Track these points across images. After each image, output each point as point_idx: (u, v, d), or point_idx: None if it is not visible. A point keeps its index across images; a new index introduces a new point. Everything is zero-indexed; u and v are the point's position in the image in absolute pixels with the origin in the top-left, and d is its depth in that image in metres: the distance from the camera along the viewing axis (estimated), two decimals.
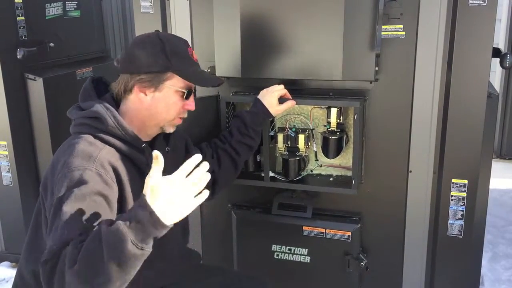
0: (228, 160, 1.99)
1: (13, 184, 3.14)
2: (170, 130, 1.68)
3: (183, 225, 1.85)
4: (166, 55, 1.56)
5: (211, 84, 1.73)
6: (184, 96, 1.63)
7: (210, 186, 1.99)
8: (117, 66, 1.67)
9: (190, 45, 1.68)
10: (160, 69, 1.56)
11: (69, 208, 1.36)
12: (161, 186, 1.25)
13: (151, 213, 1.22)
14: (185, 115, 1.69)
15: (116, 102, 1.64)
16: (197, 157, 1.29)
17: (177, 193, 1.26)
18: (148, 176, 1.26)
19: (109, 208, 1.44)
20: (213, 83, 1.74)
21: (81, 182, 1.40)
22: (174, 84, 1.59)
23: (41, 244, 1.56)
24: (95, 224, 1.37)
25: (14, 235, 3.22)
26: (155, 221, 1.23)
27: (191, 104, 1.67)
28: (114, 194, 1.48)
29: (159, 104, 1.60)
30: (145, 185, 1.26)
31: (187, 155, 1.88)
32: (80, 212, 1.37)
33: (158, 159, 1.26)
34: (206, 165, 1.31)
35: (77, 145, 1.47)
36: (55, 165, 1.48)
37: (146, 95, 1.59)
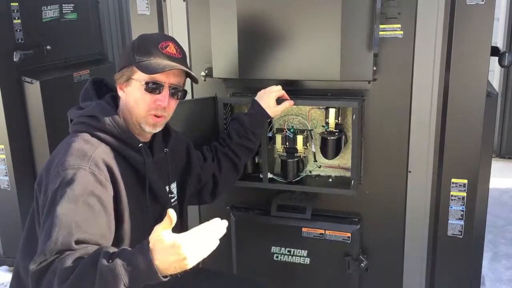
0: (229, 163, 1.99)
1: (11, 188, 3.13)
2: (149, 128, 1.60)
3: (184, 231, 1.84)
4: (133, 51, 1.58)
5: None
6: (157, 91, 1.57)
7: (211, 189, 1.99)
8: None
9: (174, 42, 1.64)
10: (125, 64, 1.59)
11: (61, 210, 1.36)
12: (169, 242, 1.24)
13: (150, 264, 1.22)
14: (161, 113, 1.60)
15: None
16: (222, 223, 1.33)
17: (188, 253, 1.25)
18: (159, 225, 1.25)
19: (103, 210, 1.44)
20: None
21: (73, 181, 1.40)
22: (138, 77, 1.58)
23: (37, 242, 1.55)
24: (87, 230, 1.37)
25: (12, 239, 3.21)
26: (152, 273, 1.23)
27: (161, 99, 1.58)
28: (108, 194, 1.47)
29: (130, 99, 1.60)
30: (154, 232, 1.26)
31: (188, 158, 1.88)
32: (73, 215, 1.37)
33: (171, 216, 1.25)
34: (224, 224, 1.34)
35: (73, 144, 1.49)
36: (51, 163, 1.50)
37: (123, 92, 1.62)
